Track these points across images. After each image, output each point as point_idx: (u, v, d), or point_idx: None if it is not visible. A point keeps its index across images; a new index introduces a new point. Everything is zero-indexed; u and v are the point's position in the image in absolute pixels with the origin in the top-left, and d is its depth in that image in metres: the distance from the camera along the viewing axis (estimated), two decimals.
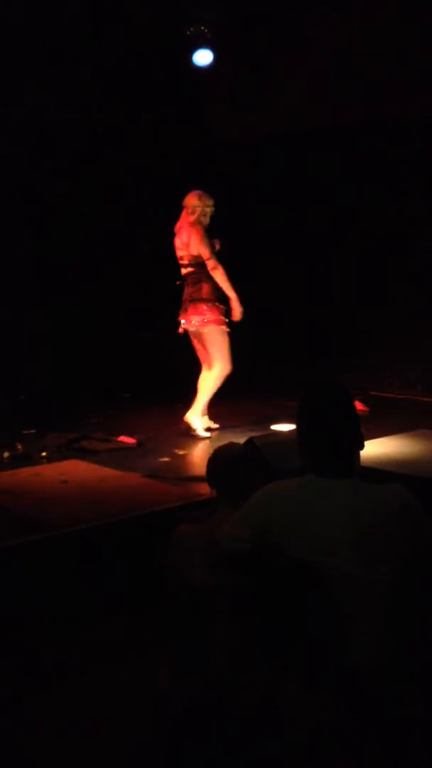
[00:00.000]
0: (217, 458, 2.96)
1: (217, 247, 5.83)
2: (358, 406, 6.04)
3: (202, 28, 6.62)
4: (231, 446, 3.09)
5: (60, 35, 6.80)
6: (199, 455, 5.26)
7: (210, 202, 5.81)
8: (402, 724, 2.38)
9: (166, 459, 5.17)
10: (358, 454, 2.40)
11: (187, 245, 5.78)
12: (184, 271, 5.85)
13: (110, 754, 2.75)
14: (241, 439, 4.17)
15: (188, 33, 6.65)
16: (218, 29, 6.71)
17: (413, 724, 2.38)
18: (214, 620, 2.68)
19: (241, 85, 7.53)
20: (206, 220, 5.81)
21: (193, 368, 6.13)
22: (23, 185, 6.90)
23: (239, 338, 6.01)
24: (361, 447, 2.37)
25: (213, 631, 2.68)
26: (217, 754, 2.62)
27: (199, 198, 5.80)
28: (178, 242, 5.85)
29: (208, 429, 5.87)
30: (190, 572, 2.72)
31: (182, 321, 5.79)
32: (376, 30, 6.67)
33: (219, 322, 5.72)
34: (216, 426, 5.95)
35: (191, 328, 5.79)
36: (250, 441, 3.98)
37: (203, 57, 6.75)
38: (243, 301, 5.85)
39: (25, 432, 5.72)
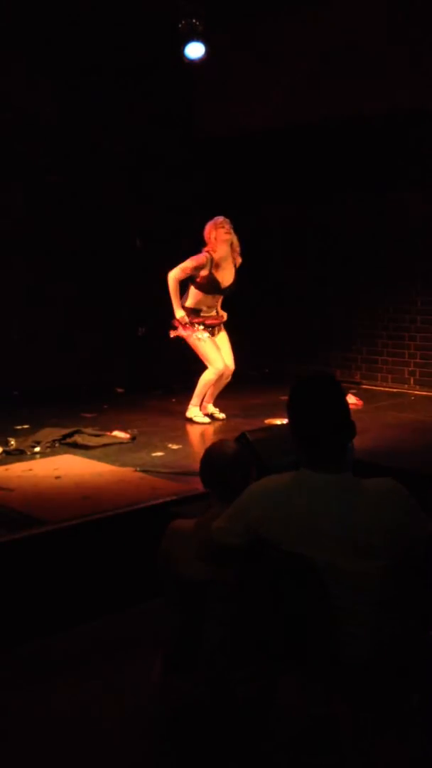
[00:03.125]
0: (210, 461, 2.88)
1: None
2: (352, 399, 6.08)
3: (194, 21, 6.58)
4: (224, 446, 2.91)
5: (51, 24, 6.78)
6: (192, 450, 5.27)
7: (218, 222, 5.87)
8: (397, 718, 2.38)
9: (159, 453, 5.17)
10: (352, 448, 2.39)
11: None
12: None
13: (106, 749, 2.75)
14: (234, 434, 4.17)
15: (180, 26, 6.61)
16: (210, 22, 6.69)
17: (408, 718, 2.39)
18: (208, 615, 2.68)
19: (231, 80, 7.51)
20: (216, 236, 5.84)
21: (187, 364, 6.16)
22: (18, 178, 6.88)
23: (236, 333, 6.07)
24: (352, 437, 2.36)
25: (206, 625, 2.68)
26: (212, 749, 2.62)
27: (212, 223, 5.90)
28: None
29: (212, 416, 6.08)
30: (183, 567, 2.71)
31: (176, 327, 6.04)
32: (368, 25, 6.67)
33: (193, 331, 5.94)
34: (222, 416, 6.10)
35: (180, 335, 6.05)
36: (242, 436, 3.97)
37: (195, 50, 6.72)
38: (240, 295, 6.05)
39: (18, 427, 5.71)
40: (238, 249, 5.96)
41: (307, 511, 2.26)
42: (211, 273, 5.89)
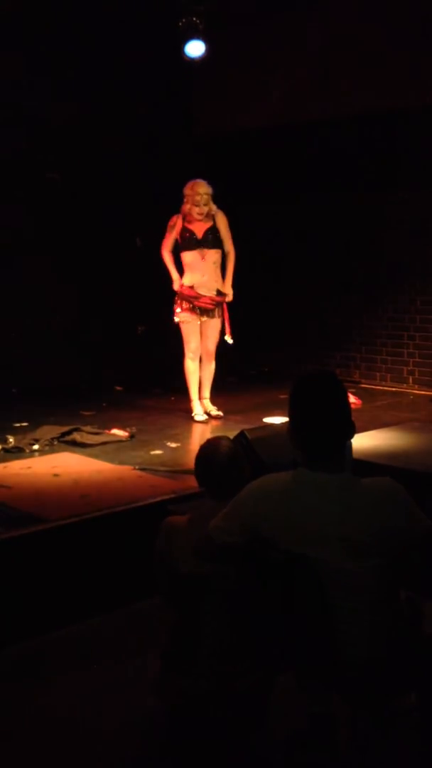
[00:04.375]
0: (203, 460, 2.87)
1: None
2: (351, 398, 6.09)
3: (195, 19, 6.58)
4: (217, 445, 2.89)
5: (51, 23, 6.77)
6: (191, 448, 5.26)
7: (196, 190, 5.83)
8: (394, 716, 2.39)
9: (158, 452, 5.17)
10: (350, 448, 2.39)
11: None
12: None
13: (105, 746, 2.75)
14: (233, 432, 4.17)
15: (180, 24, 6.61)
16: (210, 20, 6.68)
17: (404, 715, 2.39)
18: (204, 611, 2.68)
19: (230, 78, 7.51)
20: (190, 209, 5.84)
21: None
22: (18, 176, 6.87)
23: (235, 331, 6.07)
24: (351, 436, 2.36)
25: (204, 621, 2.69)
26: (210, 744, 2.62)
27: (190, 187, 5.88)
28: None
29: (209, 414, 6.06)
30: (179, 563, 2.72)
31: None
32: (367, 24, 6.66)
33: (175, 314, 5.99)
34: (219, 413, 6.08)
35: None
36: (241, 434, 3.98)
37: (195, 48, 6.71)
38: (235, 293, 6.02)
39: (17, 425, 5.71)
40: (210, 213, 5.88)
41: (305, 510, 2.26)
42: (183, 225, 5.90)
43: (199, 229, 5.90)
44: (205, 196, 5.85)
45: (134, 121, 7.47)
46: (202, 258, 5.91)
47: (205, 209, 5.87)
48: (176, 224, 5.94)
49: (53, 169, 7.11)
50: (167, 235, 5.99)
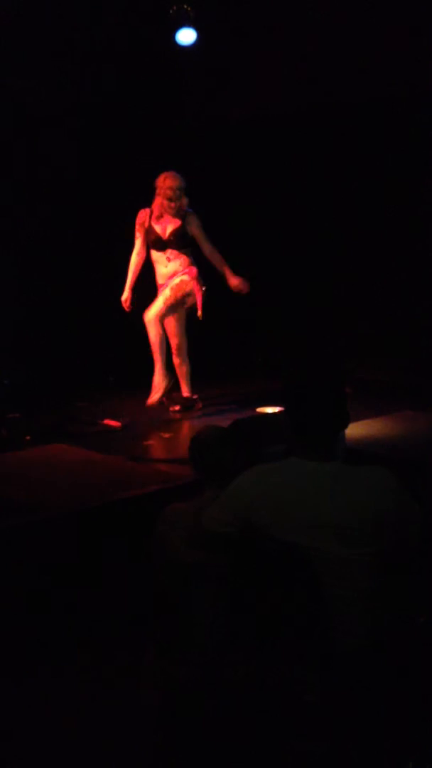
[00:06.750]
0: (197, 442, 2.92)
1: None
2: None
3: (185, 6, 6.54)
4: (211, 429, 3.01)
5: (43, 12, 6.73)
6: (183, 438, 5.26)
7: (168, 183, 5.64)
8: (386, 704, 2.40)
9: (150, 442, 5.17)
10: (343, 437, 2.39)
11: None
12: None
13: (102, 731, 2.76)
14: (226, 422, 4.17)
15: (171, 11, 6.57)
16: (201, 8, 6.64)
17: (397, 704, 2.40)
18: (200, 599, 2.69)
19: (222, 65, 7.47)
20: (161, 203, 5.67)
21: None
22: (11, 167, 6.84)
23: (229, 322, 6.08)
24: (346, 426, 2.36)
25: (197, 609, 2.69)
26: (203, 732, 2.63)
27: (162, 179, 5.72)
28: None
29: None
30: (176, 550, 2.72)
31: None
32: (359, 11, 6.63)
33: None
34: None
35: None
36: (235, 423, 3.98)
37: (186, 36, 6.68)
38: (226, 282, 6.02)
39: (10, 416, 5.70)
40: (179, 207, 5.65)
41: (298, 499, 2.26)
42: (150, 225, 5.74)
43: (165, 228, 5.71)
44: (177, 191, 5.62)
45: (127, 111, 7.42)
46: (168, 259, 5.78)
47: (177, 204, 5.66)
48: (144, 222, 5.77)
49: (47, 158, 7.06)
50: (136, 233, 5.79)
